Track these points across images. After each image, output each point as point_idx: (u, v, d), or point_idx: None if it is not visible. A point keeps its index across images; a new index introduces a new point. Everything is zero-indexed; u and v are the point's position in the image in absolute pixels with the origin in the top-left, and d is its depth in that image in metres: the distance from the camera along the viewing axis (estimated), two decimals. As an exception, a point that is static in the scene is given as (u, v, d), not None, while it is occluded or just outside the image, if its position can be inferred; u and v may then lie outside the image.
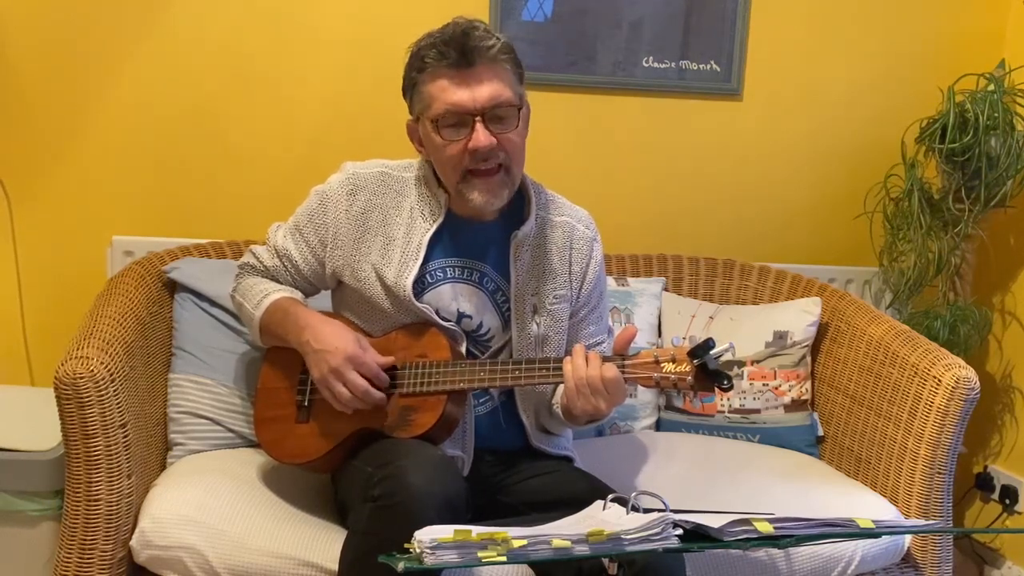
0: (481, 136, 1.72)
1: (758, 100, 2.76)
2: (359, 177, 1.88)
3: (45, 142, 2.51)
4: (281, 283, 1.94)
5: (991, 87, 2.59)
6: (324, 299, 2.01)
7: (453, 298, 1.85)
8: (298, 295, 1.93)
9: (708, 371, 1.61)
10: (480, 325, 1.86)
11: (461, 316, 1.85)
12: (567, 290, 1.90)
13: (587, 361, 1.66)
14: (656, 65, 2.70)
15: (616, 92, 2.70)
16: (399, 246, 1.83)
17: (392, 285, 1.81)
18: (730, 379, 1.61)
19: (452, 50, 1.72)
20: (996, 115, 2.54)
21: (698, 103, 2.75)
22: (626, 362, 1.66)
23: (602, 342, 1.97)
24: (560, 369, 1.70)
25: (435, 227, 1.83)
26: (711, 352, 1.59)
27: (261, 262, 1.95)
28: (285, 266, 1.93)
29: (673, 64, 2.71)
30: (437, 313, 1.82)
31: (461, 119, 1.73)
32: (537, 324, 1.86)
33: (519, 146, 1.79)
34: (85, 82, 2.50)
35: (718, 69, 2.72)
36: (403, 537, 1.36)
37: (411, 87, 1.79)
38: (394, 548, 1.34)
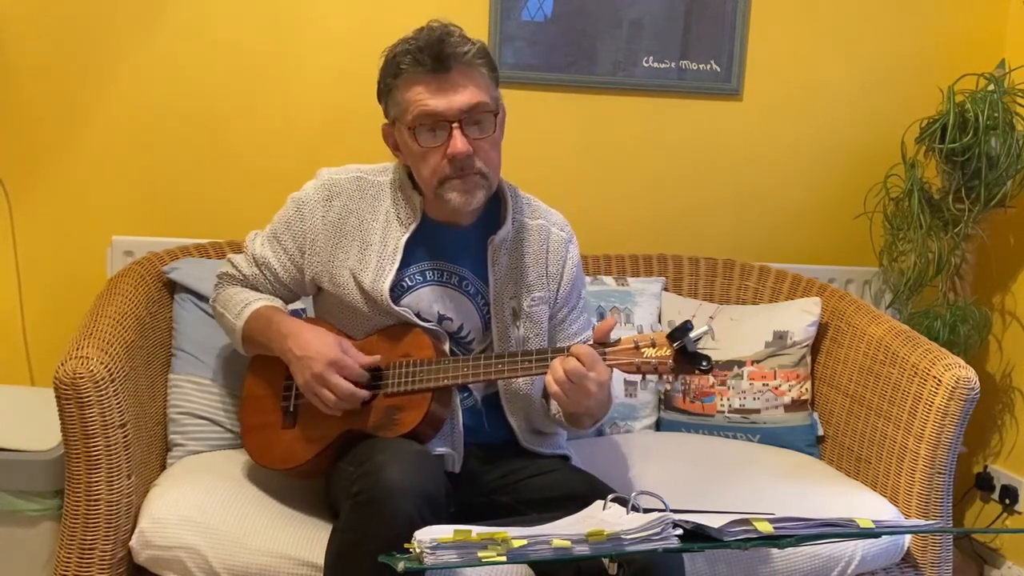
0: (459, 143, 1.72)
1: (758, 100, 2.76)
2: (335, 183, 1.88)
3: (45, 142, 2.51)
4: (261, 292, 1.94)
5: (991, 87, 2.59)
6: (306, 305, 2.01)
7: (433, 301, 1.85)
8: (279, 303, 1.93)
9: (687, 354, 1.61)
10: (461, 327, 1.87)
11: (442, 318, 1.85)
12: (545, 292, 1.90)
13: (561, 362, 1.66)
14: (656, 65, 2.70)
15: (616, 92, 2.70)
16: (375, 251, 1.84)
17: (370, 290, 1.82)
18: (709, 360, 1.61)
19: (427, 56, 1.71)
20: (996, 115, 2.54)
21: (698, 103, 2.75)
22: (607, 350, 1.67)
23: (588, 340, 1.96)
24: (542, 361, 1.70)
25: (411, 231, 1.83)
26: (690, 334, 1.59)
27: (240, 271, 1.95)
28: (264, 274, 1.93)
29: (673, 64, 2.71)
30: (417, 315, 1.83)
31: (438, 125, 1.73)
32: (518, 327, 1.87)
33: (495, 151, 1.79)
34: (85, 82, 2.50)
35: (718, 69, 2.72)
36: (382, 532, 1.36)
37: (386, 92, 1.79)
38: (374, 543, 1.35)
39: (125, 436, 1.81)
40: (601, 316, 2.41)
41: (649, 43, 2.69)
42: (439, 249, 1.86)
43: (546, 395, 1.87)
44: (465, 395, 1.88)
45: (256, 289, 1.94)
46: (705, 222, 2.80)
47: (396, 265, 1.82)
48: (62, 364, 1.76)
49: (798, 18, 2.75)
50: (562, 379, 1.64)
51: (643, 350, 1.64)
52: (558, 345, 1.93)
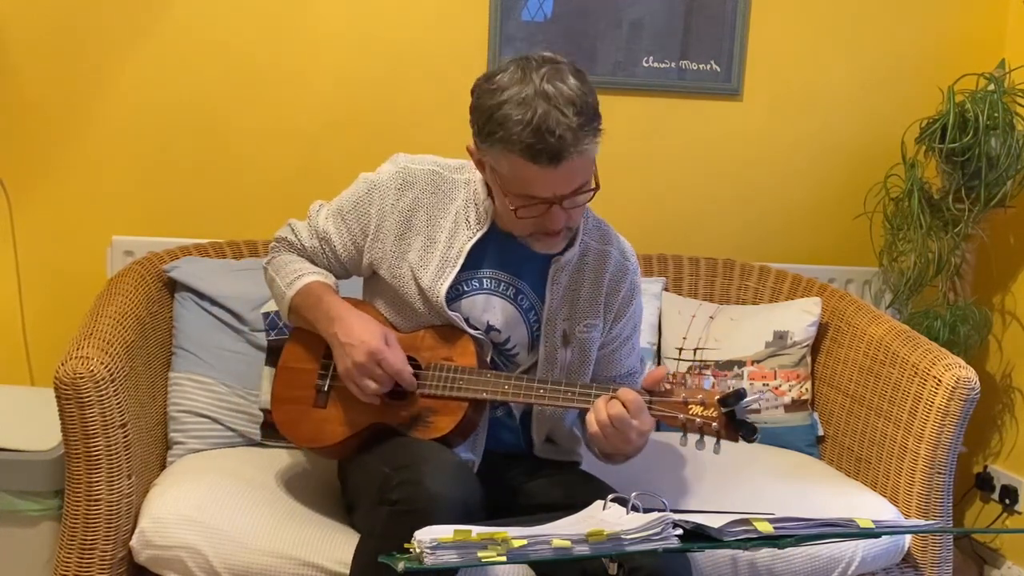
0: (557, 222, 1.68)
1: (758, 100, 2.76)
2: (410, 172, 1.84)
3: (45, 142, 2.51)
4: (317, 264, 1.91)
5: (991, 87, 2.59)
6: (355, 283, 1.97)
7: (485, 309, 1.82)
8: (331, 279, 1.89)
9: (735, 421, 1.60)
10: (508, 340, 1.84)
11: (490, 328, 1.83)
12: (599, 320, 1.87)
13: (606, 404, 1.64)
14: (656, 65, 2.70)
15: (616, 92, 2.69)
16: (439, 250, 1.81)
17: (427, 289, 1.79)
18: (757, 431, 1.60)
19: (543, 155, 1.59)
20: (996, 115, 2.54)
21: (698, 103, 2.75)
22: (654, 399, 1.65)
23: (635, 371, 1.95)
24: (586, 396, 1.69)
25: (478, 236, 1.80)
26: (742, 402, 1.58)
27: (299, 240, 1.91)
28: (323, 249, 1.89)
29: (673, 64, 2.71)
30: (467, 321, 1.81)
31: (539, 202, 1.67)
32: (566, 351, 1.84)
33: (584, 209, 1.76)
34: (85, 82, 2.50)
35: (718, 69, 2.72)
36: None
37: (486, 144, 1.66)
38: None
39: (125, 436, 1.81)
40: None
41: (649, 43, 2.69)
42: (502, 259, 1.83)
43: (582, 419, 1.86)
44: (501, 406, 1.87)
45: (312, 262, 1.91)
46: (705, 222, 2.80)
47: (457, 269, 1.79)
48: (62, 364, 1.76)
49: (798, 18, 2.75)
50: (605, 423, 1.63)
51: (691, 407, 1.63)
52: (602, 376, 1.91)
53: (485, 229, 1.81)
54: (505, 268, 1.84)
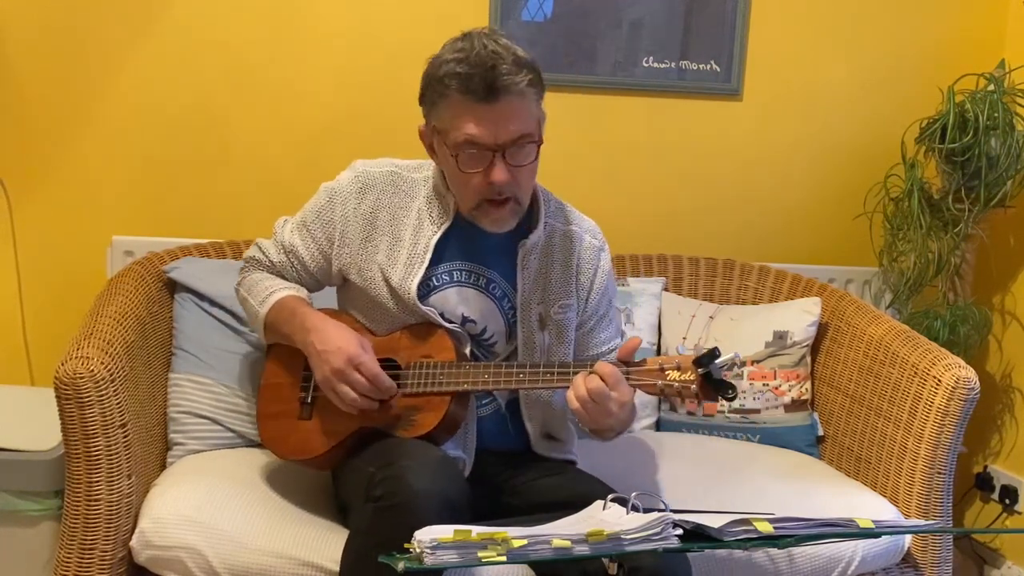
0: (500, 173, 1.69)
1: (758, 100, 2.76)
2: (369, 176, 1.87)
3: (45, 142, 2.52)
4: (287, 279, 1.93)
5: (991, 87, 2.59)
6: (328, 295, 2.00)
7: (458, 303, 1.84)
8: (303, 293, 1.92)
9: (712, 380, 1.60)
10: (484, 330, 1.86)
11: (465, 320, 1.84)
12: (573, 300, 1.88)
13: (584, 379, 1.65)
14: (656, 65, 2.70)
15: (616, 92, 2.70)
16: (406, 248, 1.83)
17: (397, 287, 1.81)
18: (734, 388, 1.61)
19: (477, 84, 1.65)
20: (996, 115, 2.54)
21: (698, 103, 2.75)
22: (631, 369, 1.66)
23: (615, 348, 1.95)
24: (565, 375, 1.69)
25: (442, 230, 1.82)
26: (716, 361, 1.59)
27: (268, 257, 1.94)
28: (292, 262, 1.92)
29: (673, 64, 2.71)
30: (441, 316, 1.82)
31: (481, 152, 1.70)
32: (544, 334, 1.85)
33: (532, 176, 1.78)
34: (85, 82, 2.51)
35: (718, 69, 2.72)
36: (404, 537, 1.36)
37: (429, 103, 1.74)
38: (395, 548, 1.34)
39: (125, 436, 1.81)
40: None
41: (649, 43, 2.69)
42: (469, 250, 1.85)
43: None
44: (488, 400, 1.88)
45: (282, 276, 1.93)
46: (705, 222, 2.80)
47: (425, 264, 1.81)
48: (62, 364, 1.76)
49: (798, 18, 2.75)
50: (584, 398, 1.63)
51: (668, 372, 1.63)
52: (584, 355, 1.92)
53: (449, 222, 1.82)
54: (473, 259, 1.85)
